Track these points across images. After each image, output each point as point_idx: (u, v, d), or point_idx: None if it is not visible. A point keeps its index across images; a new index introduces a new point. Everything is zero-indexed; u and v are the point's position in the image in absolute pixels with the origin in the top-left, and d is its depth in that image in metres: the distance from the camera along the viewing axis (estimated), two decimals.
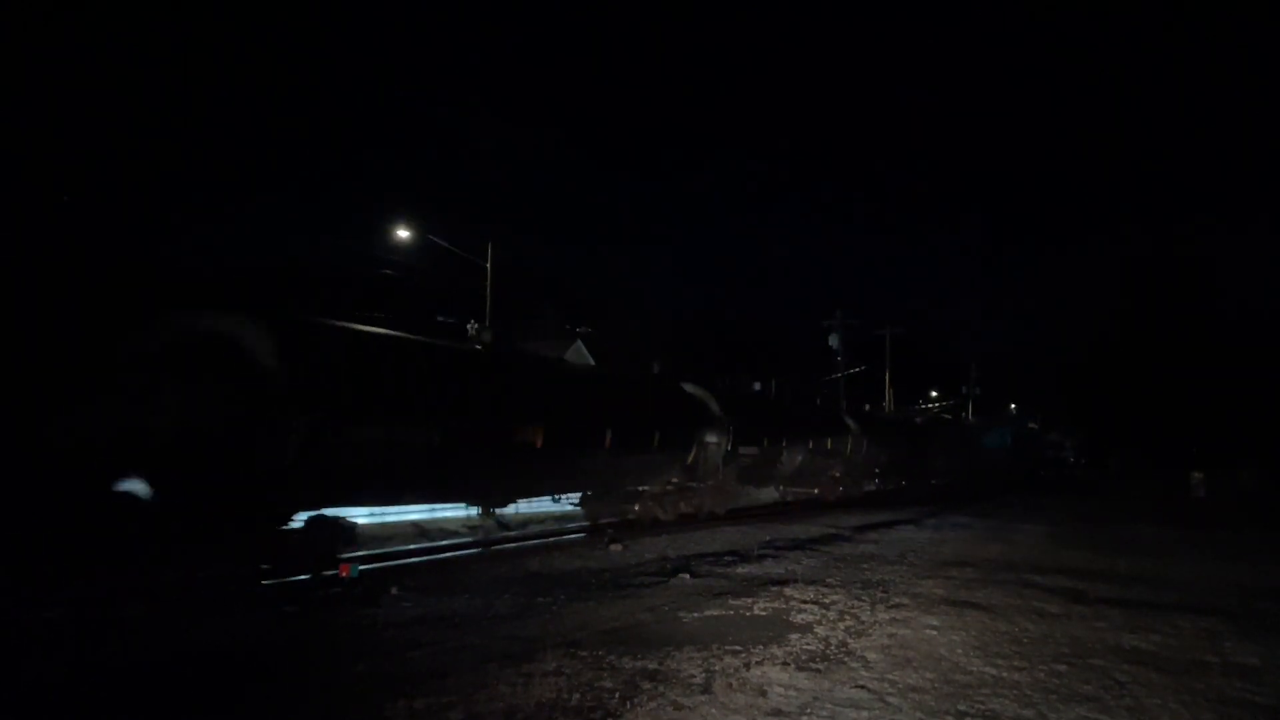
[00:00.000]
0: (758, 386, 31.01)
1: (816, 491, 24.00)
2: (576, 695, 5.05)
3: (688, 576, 9.72)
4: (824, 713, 4.88)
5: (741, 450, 17.79)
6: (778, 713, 4.85)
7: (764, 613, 7.66)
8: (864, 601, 8.33)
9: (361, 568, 9.19)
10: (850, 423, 25.53)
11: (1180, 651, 6.60)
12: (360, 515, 11.37)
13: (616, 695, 5.06)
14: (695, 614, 7.52)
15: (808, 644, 6.48)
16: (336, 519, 9.10)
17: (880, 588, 9.22)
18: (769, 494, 22.91)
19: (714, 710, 4.85)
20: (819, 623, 7.27)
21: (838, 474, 24.72)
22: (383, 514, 13.84)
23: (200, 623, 7.16)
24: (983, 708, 5.02)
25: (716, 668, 5.71)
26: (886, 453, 28.25)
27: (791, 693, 5.22)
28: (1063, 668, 5.97)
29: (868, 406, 43.73)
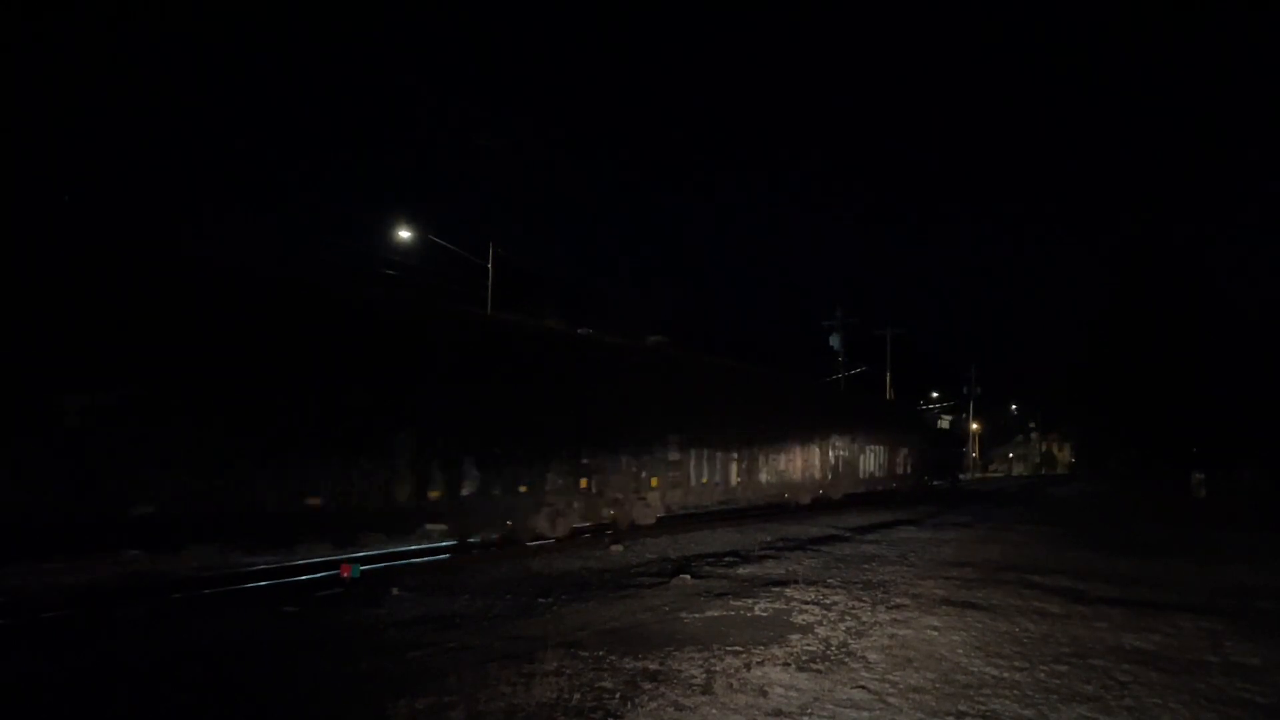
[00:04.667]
0: None
1: (786, 496, 21.26)
2: (577, 695, 5.05)
3: (688, 577, 9.73)
4: (824, 713, 4.88)
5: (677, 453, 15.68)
6: (778, 713, 4.85)
7: (765, 613, 7.67)
8: (865, 602, 8.33)
9: (363, 568, 9.21)
10: (835, 419, 23.83)
11: (1181, 651, 6.60)
12: None
13: (617, 695, 5.07)
14: (696, 614, 7.53)
15: (808, 644, 6.48)
16: None
17: (881, 588, 9.23)
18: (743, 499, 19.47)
19: (714, 710, 4.85)
20: (820, 623, 7.28)
21: (818, 476, 22.61)
22: None
23: (199, 623, 7.17)
24: (983, 708, 5.02)
25: (717, 668, 5.71)
26: (886, 453, 28.20)
27: (792, 693, 5.22)
28: (1063, 668, 5.97)
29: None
